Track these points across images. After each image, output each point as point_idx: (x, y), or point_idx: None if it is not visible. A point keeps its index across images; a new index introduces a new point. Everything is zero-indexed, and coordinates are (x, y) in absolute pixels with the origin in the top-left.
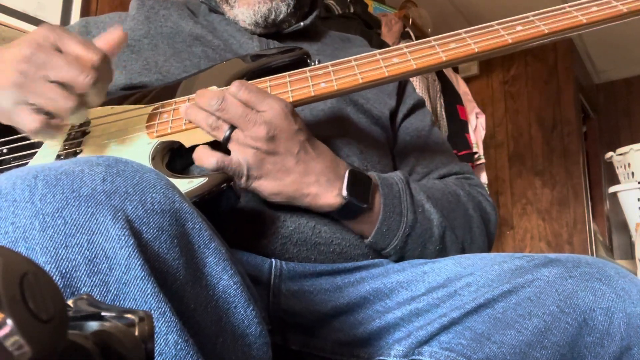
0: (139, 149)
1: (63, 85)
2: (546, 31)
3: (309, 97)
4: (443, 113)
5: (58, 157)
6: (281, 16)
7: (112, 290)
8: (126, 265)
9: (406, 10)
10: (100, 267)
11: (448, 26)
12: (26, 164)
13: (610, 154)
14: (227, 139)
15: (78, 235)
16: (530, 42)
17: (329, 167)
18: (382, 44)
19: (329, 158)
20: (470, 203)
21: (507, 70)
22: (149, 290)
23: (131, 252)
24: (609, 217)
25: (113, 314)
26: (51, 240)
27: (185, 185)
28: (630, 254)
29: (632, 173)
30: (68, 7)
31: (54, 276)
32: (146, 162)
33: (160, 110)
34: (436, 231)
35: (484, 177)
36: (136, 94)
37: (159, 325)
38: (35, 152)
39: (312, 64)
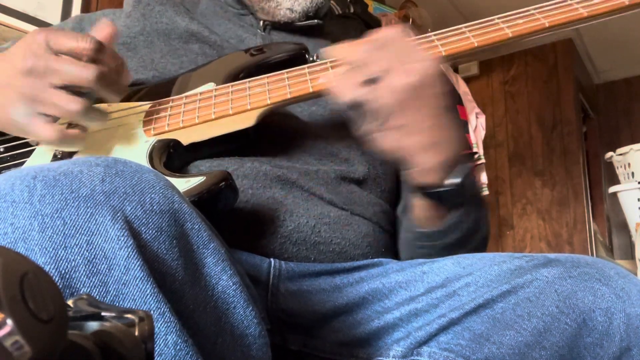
0: (136, 147)
1: (70, 87)
2: (547, 24)
3: (307, 94)
4: None
5: (54, 156)
6: (324, 9)
7: (112, 291)
8: (125, 266)
9: (406, 10)
10: (99, 267)
11: (448, 26)
12: (23, 162)
13: (610, 154)
14: (374, 80)
15: (77, 236)
16: (531, 35)
17: (455, 145)
18: None
19: (458, 135)
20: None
21: (507, 70)
22: (148, 290)
23: (130, 253)
24: (609, 217)
25: (113, 314)
26: (50, 241)
27: (183, 184)
28: (630, 254)
29: (632, 173)
30: (68, 7)
31: (53, 277)
32: (143, 160)
33: (157, 107)
34: (472, 226)
35: (484, 177)
36: (132, 91)
37: (158, 325)
38: (32, 150)
39: (310, 59)
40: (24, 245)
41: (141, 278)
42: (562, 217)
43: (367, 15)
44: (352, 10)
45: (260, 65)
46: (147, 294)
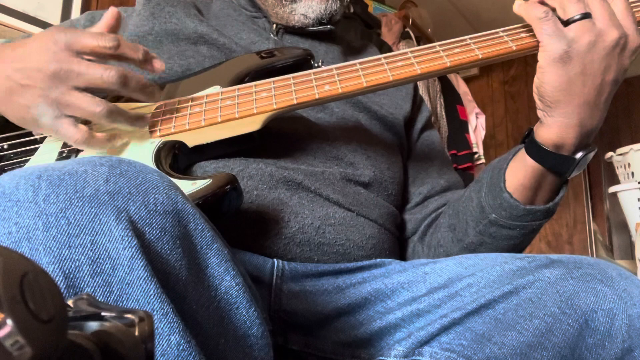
0: (141, 148)
1: (93, 89)
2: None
3: (312, 100)
4: (443, 113)
5: (60, 154)
6: (337, 16)
7: (115, 291)
8: (129, 266)
9: (406, 10)
10: (103, 267)
11: (448, 26)
12: (27, 160)
13: (610, 154)
14: (576, 20)
15: (81, 235)
16: (534, 49)
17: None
18: (382, 44)
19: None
20: None
21: (507, 71)
22: (152, 290)
23: (134, 253)
24: (609, 217)
25: (113, 314)
26: (54, 241)
27: (189, 186)
28: (630, 254)
29: (632, 173)
30: (68, 7)
31: (57, 276)
32: (149, 161)
33: (163, 109)
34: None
35: None
36: None
37: (162, 326)
38: (36, 148)
39: (316, 65)
40: (28, 244)
41: (145, 278)
42: (562, 217)
43: (367, 15)
44: (352, 10)
45: (266, 70)
46: (151, 294)
